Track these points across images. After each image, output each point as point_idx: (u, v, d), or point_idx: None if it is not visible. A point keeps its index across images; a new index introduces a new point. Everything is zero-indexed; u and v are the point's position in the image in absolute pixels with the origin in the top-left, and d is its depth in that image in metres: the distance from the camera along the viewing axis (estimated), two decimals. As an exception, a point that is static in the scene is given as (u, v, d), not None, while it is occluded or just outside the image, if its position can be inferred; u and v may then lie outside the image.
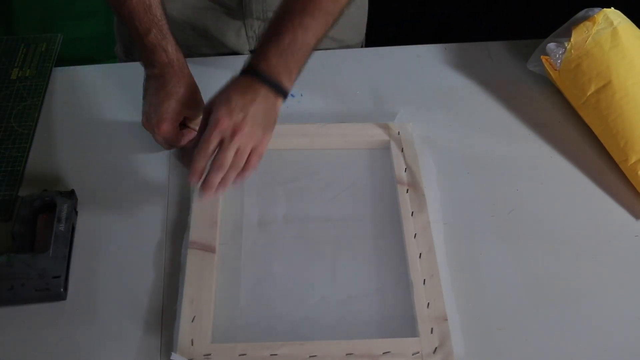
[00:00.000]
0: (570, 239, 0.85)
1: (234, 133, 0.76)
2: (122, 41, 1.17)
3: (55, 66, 1.06)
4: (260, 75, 0.79)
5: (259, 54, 0.81)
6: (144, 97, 0.89)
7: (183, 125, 0.90)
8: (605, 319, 0.78)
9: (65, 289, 0.78)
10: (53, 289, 0.76)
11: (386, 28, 1.93)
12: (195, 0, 1.05)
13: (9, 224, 0.84)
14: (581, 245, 0.84)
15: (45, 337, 0.74)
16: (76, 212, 0.85)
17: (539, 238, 0.85)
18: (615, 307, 0.79)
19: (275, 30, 0.82)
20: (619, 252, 0.84)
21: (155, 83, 0.87)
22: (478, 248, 0.84)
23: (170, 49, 0.86)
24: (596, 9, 0.98)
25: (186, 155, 0.90)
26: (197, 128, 0.89)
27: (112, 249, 0.83)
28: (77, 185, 0.88)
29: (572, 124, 0.99)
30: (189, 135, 0.91)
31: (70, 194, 0.85)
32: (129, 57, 1.13)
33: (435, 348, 0.72)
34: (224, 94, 0.78)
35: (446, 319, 0.74)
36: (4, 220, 0.85)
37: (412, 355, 0.72)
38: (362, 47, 1.20)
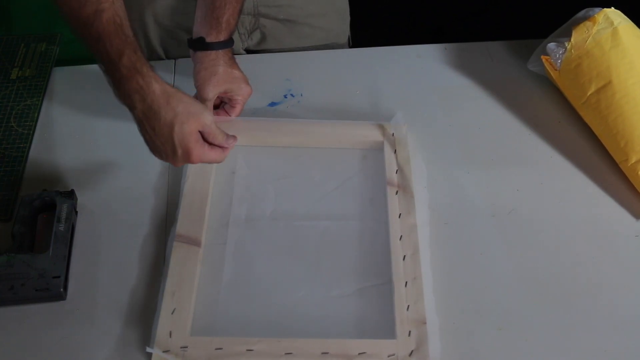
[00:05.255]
0: (570, 239, 0.85)
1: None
2: None
3: (55, 66, 1.06)
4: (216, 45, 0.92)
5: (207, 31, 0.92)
6: (145, 138, 0.80)
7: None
8: (605, 319, 0.78)
9: (65, 289, 0.78)
10: (53, 289, 0.76)
11: (386, 28, 1.94)
12: (184, 5, 1.06)
13: (9, 224, 0.84)
14: (581, 245, 0.84)
15: (45, 337, 0.74)
16: (76, 212, 0.85)
17: (539, 238, 0.85)
18: (615, 307, 0.79)
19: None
20: (619, 252, 0.84)
21: (147, 120, 0.78)
22: (478, 248, 0.84)
23: (146, 70, 0.77)
24: (596, 9, 0.98)
25: None
26: (221, 143, 0.84)
27: (112, 249, 0.83)
28: (77, 185, 0.88)
29: (572, 124, 0.99)
30: (227, 150, 0.85)
31: (70, 194, 0.85)
32: None
33: (412, 351, 0.72)
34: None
35: (425, 323, 0.74)
36: (4, 220, 0.85)
37: (388, 357, 0.72)
38: (349, 38, 1.22)
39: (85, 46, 0.78)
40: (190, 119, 0.78)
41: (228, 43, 0.93)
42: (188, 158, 0.80)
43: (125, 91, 0.77)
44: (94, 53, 0.78)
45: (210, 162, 0.84)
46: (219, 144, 0.82)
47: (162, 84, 0.78)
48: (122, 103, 0.79)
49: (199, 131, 0.80)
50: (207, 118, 0.80)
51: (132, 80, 0.76)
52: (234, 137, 0.84)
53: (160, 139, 0.79)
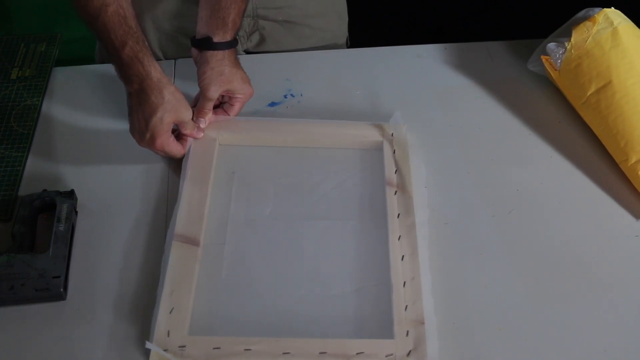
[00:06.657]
0: (570, 239, 0.85)
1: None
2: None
3: (55, 66, 1.06)
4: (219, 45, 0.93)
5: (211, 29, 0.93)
6: (130, 115, 0.88)
7: (178, 135, 0.91)
8: (605, 319, 0.77)
9: (65, 289, 0.78)
10: (53, 289, 0.76)
11: (385, 28, 1.94)
12: (185, 9, 1.06)
13: (9, 224, 0.84)
14: (581, 245, 0.84)
15: (45, 337, 0.74)
16: (76, 212, 0.85)
17: (539, 238, 0.85)
18: (615, 307, 0.79)
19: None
20: (619, 252, 0.84)
21: (138, 99, 0.86)
22: (478, 248, 0.84)
23: (147, 60, 0.85)
24: (596, 9, 0.98)
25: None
26: (192, 134, 0.91)
27: (112, 249, 0.83)
28: (77, 185, 0.88)
29: (572, 124, 0.99)
30: (186, 144, 0.92)
31: (70, 194, 0.85)
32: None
33: (410, 351, 0.72)
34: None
35: (423, 323, 0.74)
36: (4, 220, 0.85)
37: (386, 357, 0.72)
38: (347, 38, 1.22)
39: (94, 36, 0.88)
40: (172, 111, 0.86)
41: (233, 43, 0.93)
42: (152, 143, 0.87)
43: (127, 75, 0.86)
44: (101, 42, 0.87)
45: (168, 153, 0.89)
46: (189, 134, 0.91)
47: (161, 74, 0.86)
48: (121, 80, 0.88)
49: (175, 122, 0.88)
50: (187, 116, 0.89)
51: (132, 67, 0.85)
52: (202, 129, 0.93)
53: (139, 116, 0.86)
